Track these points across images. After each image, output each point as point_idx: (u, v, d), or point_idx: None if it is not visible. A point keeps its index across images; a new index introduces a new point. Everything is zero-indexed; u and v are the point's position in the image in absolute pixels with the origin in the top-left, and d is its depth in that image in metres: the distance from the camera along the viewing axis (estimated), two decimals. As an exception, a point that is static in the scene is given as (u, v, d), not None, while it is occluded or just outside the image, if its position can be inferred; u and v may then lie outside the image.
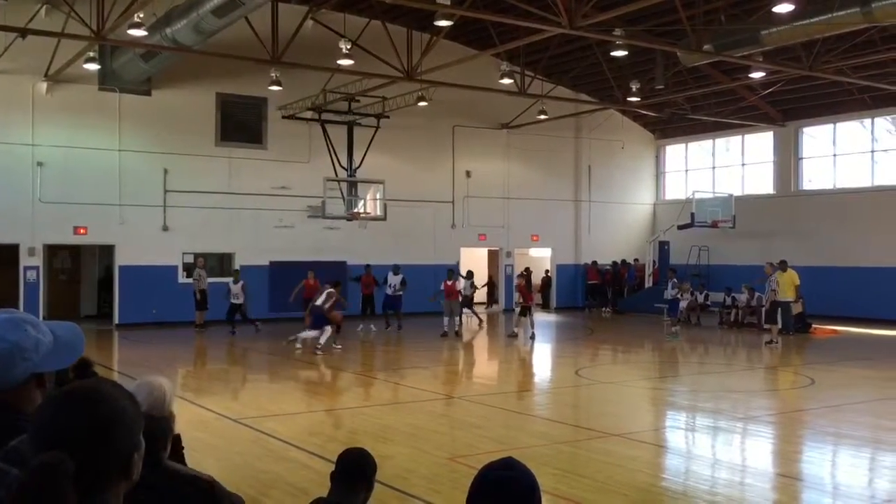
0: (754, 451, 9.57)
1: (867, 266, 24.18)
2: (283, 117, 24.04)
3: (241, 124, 24.08)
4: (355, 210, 23.36)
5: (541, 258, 31.09)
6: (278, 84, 20.97)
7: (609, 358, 18.37)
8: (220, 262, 23.95)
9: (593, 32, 16.74)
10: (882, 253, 23.96)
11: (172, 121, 22.70)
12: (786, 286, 19.42)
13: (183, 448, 3.85)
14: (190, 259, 22.86)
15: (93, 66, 19.31)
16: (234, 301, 20.66)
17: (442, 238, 26.86)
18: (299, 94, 23.01)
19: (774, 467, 8.65)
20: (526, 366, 17.45)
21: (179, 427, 3.86)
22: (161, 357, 16.61)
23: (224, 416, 10.47)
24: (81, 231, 21.74)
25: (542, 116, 25.34)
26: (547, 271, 30.43)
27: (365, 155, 24.40)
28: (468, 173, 27.48)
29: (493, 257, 30.18)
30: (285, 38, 18.05)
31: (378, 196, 23.73)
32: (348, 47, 18.36)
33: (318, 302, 17.00)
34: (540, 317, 27.66)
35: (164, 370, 13.62)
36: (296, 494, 6.83)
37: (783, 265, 19.70)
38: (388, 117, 24.37)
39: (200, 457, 8.06)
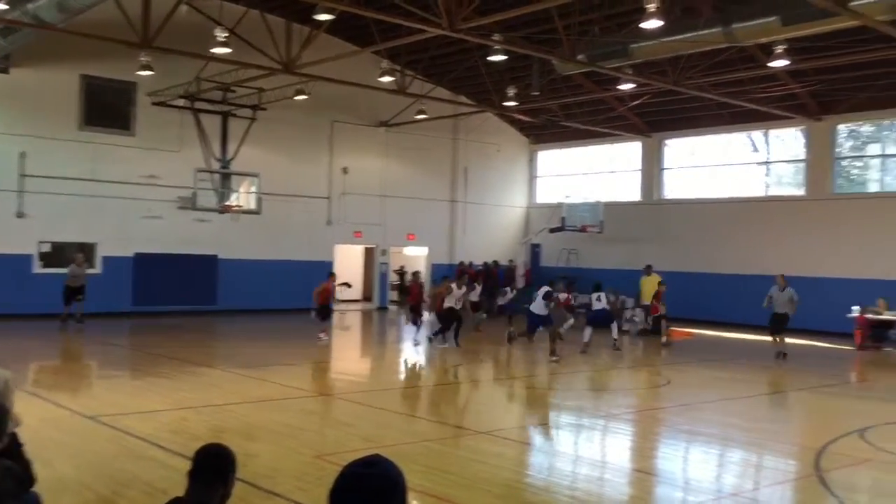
0: (613, 447, 9.97)
1: (722, 273, 25.62)
2: (154, 104, 23.12)
3: (107, 109, 23.00)
4: (227, 203, 22.77)
5: (416, 257, 31.27)
6: (149, 69, 20.15)
7: (479, 357, 18.65)
8: (81, 253, 22.83)
9: (473, 36, 16.97)
10: (735, 260, 25.44)
11: (32, 102, 21.47)
12: (646, 290, 20.61)
13: (22, 445, 3.66)
14: (47, 248, 21.67)
15: (-57, 39, 17.98)
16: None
17: (317, 234, 26.58)
18: (171, 81, 22.20)
19: (631, 463, 9.04)
20: (397, 364, 17.50)
21: (30, 425, 3.66)
22: (12, 351, 15.62)
23: (79, 413, 9.98)
24: (-75, 215, 20.23)
25: (421, 116, 25.50)
26: (402, 267, 30.69)
27: (240, 147, 23.82)
28: (345, 170, 27.31)
29: (369, 255, 30.12)
30: (158, 22, 17.37)
31: (252, 189, 23.22)
32: (225, 35, 17.86)
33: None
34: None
35: (12, 365, 12.84)
36: (153, 494, 6.59)
37: (648, 270, 20.97)
38: (264, 109, 23.89)
39: (52, 456, 7.66)
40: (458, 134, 29.93)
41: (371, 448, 7.62)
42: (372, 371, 16.51)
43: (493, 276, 29.58)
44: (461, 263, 29.40)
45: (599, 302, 18.72)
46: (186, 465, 3.44)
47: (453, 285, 18.21)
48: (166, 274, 23.48)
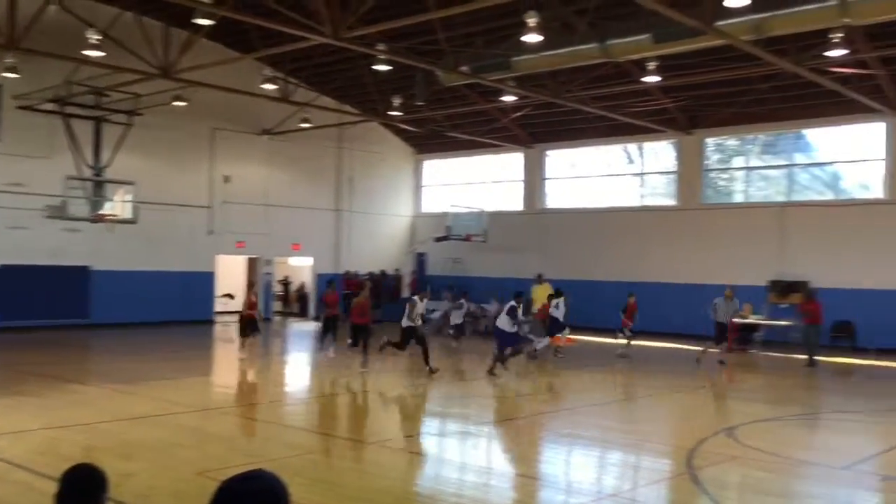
0: (498, 453, 10.13)
1: (601, 280, 26.45)
2: (20, 108, 21.90)
3: (-33, 112, 21.65)
4: (101, 212, 21.80)
5: (301, 267, 30.84)
6: (15, 71, 19.12)
7: (367, 368, 18.55)
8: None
9: (357, 45, 16.94)
10: (613, 268, 26.30)
11: None
12: (538, 298, 21.21)
13: None
14: None
15: None
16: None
17: (198, 244, 25.81)
18: (40, 84, 21.09)
19: (516, 468, 9.21)
20: (282, 376, 17.21)
21: None
22: None
23: (-64, 437, 9.33)
24: None
25: (305, 125, 25.22)
26: (287, 277, 30.41)
27: (114, 154, 22.85)
28: (227, 178, 26.66)
29: (252, 266, 29.48)
30: (25, 21, 16.51)
31: (128, 198, 22.29)
32: (97, 37, 17.16)
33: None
34: (299, 326, 27.48)
35: None
36: (21, 520, 6.24)
37: (539, 278, 21.64)
38: (141, 115, 23.02)
39: None
40: (343, 143, 29.75)
41: (254, 463, 7.45)
42: (257, 384, 16.15)
43: (378, 286, 29.54)
44: (347, 273, 29.20)
45: (557, 309, 18.97)
46: (55, 488, 3.27)
47: (416, 298, 16.35)
48: (34, 287, 22.29)
